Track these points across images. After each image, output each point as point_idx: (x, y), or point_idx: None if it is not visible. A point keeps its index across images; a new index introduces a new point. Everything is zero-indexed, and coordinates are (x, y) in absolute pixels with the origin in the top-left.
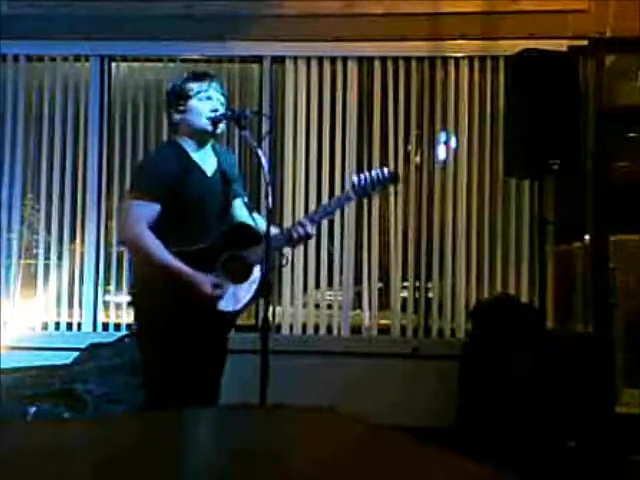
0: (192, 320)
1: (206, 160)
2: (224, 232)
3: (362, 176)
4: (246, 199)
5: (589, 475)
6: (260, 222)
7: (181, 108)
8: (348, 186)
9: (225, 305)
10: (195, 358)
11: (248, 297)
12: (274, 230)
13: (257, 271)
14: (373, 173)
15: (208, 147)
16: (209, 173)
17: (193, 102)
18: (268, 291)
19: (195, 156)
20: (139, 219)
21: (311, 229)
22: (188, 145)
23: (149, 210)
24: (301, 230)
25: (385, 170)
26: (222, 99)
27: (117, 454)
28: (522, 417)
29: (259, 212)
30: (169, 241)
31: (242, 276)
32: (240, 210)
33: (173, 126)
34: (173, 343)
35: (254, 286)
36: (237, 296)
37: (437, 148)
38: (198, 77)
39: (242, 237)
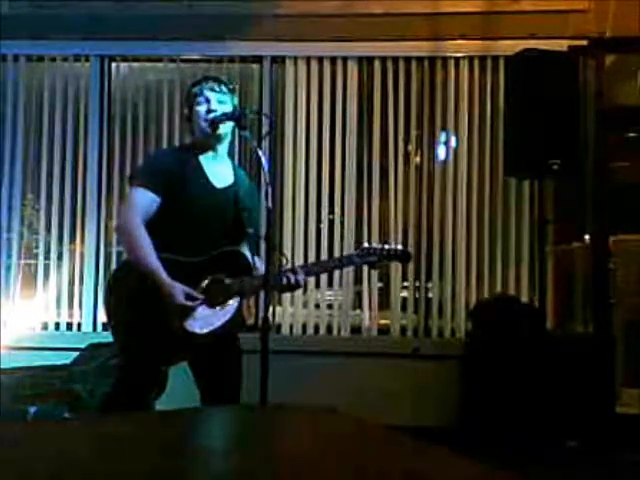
0: (154, 328)
1: (217, 170)
2: (218, 253)
3: (373, 245)
4: (251, 230)
5: (589, 475)
6: (258, 261)
7: (187, 114)
8: (355, 250)
9: (193, 326)
10: (150, 363)
11: (218, 324)
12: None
13: (235, 302)
14: (385, 246)
15: (224, 160)
16: (218, 185)
17: (194, 107)
18: (241, 324)
19: (203, 162)
20: (136, 210)
21: (302, 280)
22: (197, 149)
23: (149, 200)
24: (292, 278)
25: (399, 247)
26: (222, 98)
27: (117, 454)
28: (522, 417)
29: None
30: (161, 242)
31: (220, 301)
32: (242, 242)
33: (188, 133)
34: (132, 344)
35: (227, 316)
36: (209, 320)
37: (437, 148)
38: (197, 81)
39: (234, 264)
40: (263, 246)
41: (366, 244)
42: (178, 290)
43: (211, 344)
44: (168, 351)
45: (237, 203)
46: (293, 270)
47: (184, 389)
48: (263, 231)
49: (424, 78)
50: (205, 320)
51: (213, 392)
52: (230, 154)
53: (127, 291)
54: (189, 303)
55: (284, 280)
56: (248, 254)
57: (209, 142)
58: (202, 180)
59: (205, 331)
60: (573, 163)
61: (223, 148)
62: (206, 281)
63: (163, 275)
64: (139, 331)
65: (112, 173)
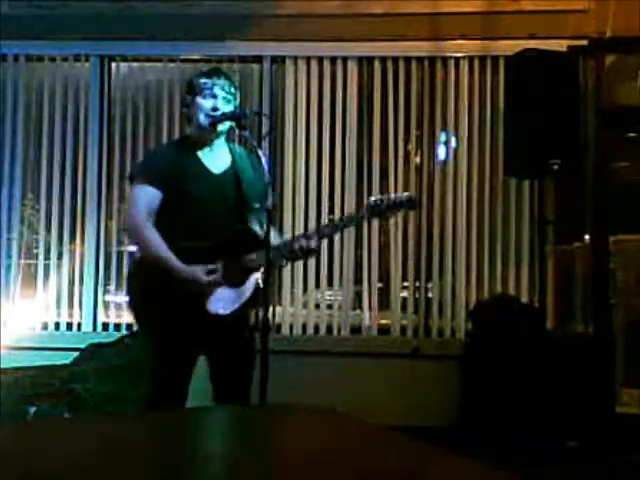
0: (180, 315)
1: (213, 157)
2: (228, 234)
3: (379, 197)
4: (267, 204)
5: (589, 475)
6: (273, 233)
7: (187, 102)
8: (364, 205)
9: (216, 307)
10: (184, 352)
11: (240, 302)
12: (278, 239)
13: (254, 278)
14: (392, 196)
15: (220, 144)
16: (216, 171)
17: (198, 98)
18: (263, 297)
19: (200, 152)
20: (141, 207)
21: (315, 244)
22: (194, 140)
23: (151, 196)
24: (304, 243)
25: (404, 195)
26: (229, 97)
27: (117, 453)
28: (522, 417)
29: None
30: (170, 234)
31: (238, 280)
32: (251, 221)
33: (185, 120)
34: (162, 335)
35: (247, 293)
36: (230, 299)
37: (437, 148)
38: (206, 73)
39: (245, 242)
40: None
41: (372, 198)
42: (198, 272)
43: (229, 341)
44: (199, 336)
45: (238, 183)
46: (305, 235)
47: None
48: (270, 201)
49: (424, 78)
50: (226, 300)
51: (224, 394)
52: (228, 140)
53: (149, 288)
54: (212, 278)
55: (297, 246)
56: (257, 229)
57: (207, 137)
58: (199, 169)
59: (228, 311)
60: (573, 163)
61: (220, 140)
62: (219, 263)
63: (179, 264)
64: (170, 324)
65: (112, 173)
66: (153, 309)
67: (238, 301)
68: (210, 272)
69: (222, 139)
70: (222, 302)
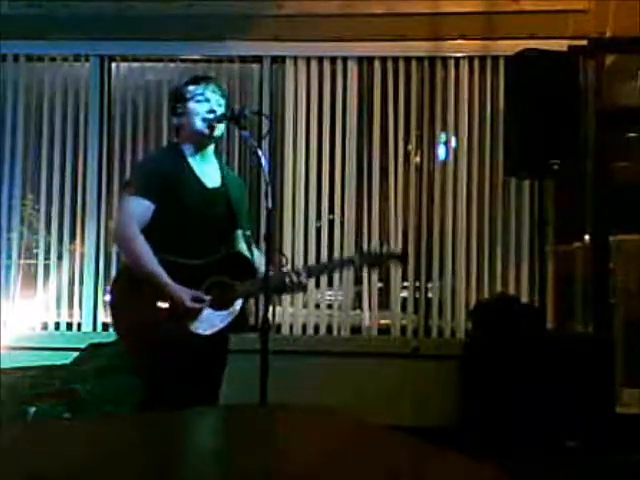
0: (161, 331)
1: (206, 170)
2: (220, 256)
3: (371, 248)
4: (248, 232)
5: (589, 475)
6: (257, 257)
7: (179, 111)
8: (356, 252)
9: (197, 327)
10: (163, 368)
11: (221, 325)
12: (263, 265)
13: (238, 304)
14: (383, 249)
15: (212, 159)
16: (209, 184)
17: (190, 104)
18: (244, 326)
19: (193, 162)
20: (132, 218)
21: (305, 280)
22: (187, 149)
23: (143, 208)
24: (295, 278)
25: (395, 250)
26: (221, 101)
27: (116, 454)
28: (522, 417)
29: (259, 216)
30: (160, 246)
31: (223, 304)
32: (239, 242)
33: (174, 131)
34: (143, 348)
35: (231, 317)
36: (212, 322)
37: (437, 148)
38: (195, 80)
39: (236, 266)
40: (263, 246)
41: (365, 246)
42: (185, 295)
43: (204, 350)
44: (178, 356)
45: (228, 202)
46: (296, 271)
47: None
48: (260, 228)
49: (424, 78)
50: (209, 322)
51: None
52: (216, 152)
53: (133, 298)
54: (197, 305)
55: (287, 281)
56: (249, 255)
57: (203, 142)
58: (194, 181)
59: (209, 332)
60: (573, 163)
61: (211, 149)
62: (207, 283)
63: (168, 280)
64: (149, 338)
65: (112, 173)
66: (134, 320)
67: (220, 324)
68: (196, 299)
69: (212, 149)
70: (204, 323)
